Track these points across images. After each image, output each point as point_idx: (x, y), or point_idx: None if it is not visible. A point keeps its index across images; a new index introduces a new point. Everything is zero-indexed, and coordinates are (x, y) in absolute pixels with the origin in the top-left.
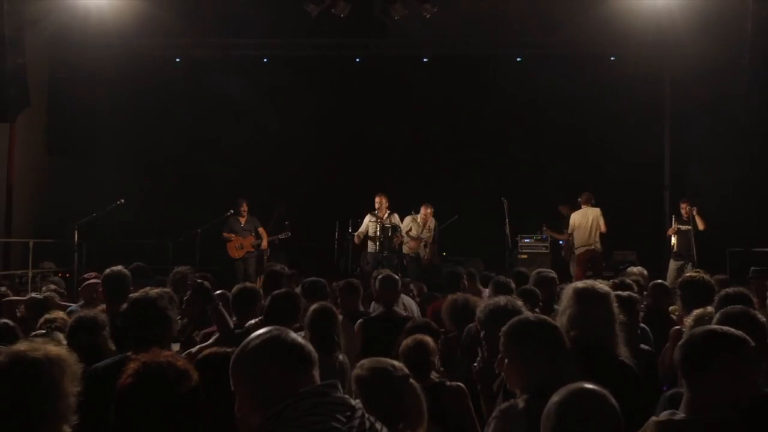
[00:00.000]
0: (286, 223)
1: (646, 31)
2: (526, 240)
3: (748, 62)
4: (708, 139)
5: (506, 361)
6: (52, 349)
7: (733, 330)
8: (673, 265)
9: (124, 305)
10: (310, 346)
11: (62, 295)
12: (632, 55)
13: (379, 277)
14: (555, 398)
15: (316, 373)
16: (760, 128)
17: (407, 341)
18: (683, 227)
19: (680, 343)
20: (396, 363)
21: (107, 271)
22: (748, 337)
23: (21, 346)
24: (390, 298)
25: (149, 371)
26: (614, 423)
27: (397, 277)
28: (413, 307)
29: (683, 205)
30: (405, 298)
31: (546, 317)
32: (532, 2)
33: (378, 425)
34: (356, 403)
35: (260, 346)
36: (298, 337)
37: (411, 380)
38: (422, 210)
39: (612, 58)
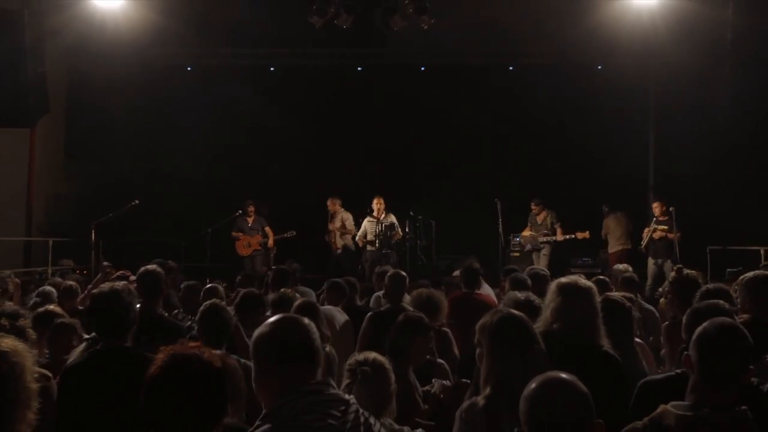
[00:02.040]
0: (266, 228)
1: (631, 41)
2: (517, 239)
3: (728, 71)
4: (690, 144)
5: (477, 351)
6: (7, 342)
7: (741, 328)
8: (651, 262)
9: (88, 300)
10: (312, 344)
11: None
12: (618, 64)
13: (388, 274)
14: (526, 390)
15: (318, 369)
16: (740, 133)
17: None
18: (660, 227)
19: (694, 340)
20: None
21: (142, 269)
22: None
23: None
24: (397, 294)
25: (176, 363)
26: (583, 408)
27: (404, 274)
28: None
29: (656, 204)
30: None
31: (521, 314)
32: (524, 14)
33: (372, 419)
34: (350, 398)
35: (260, 338)
36: (303, 331)
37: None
38: (375, 203)
39: (599, 67)
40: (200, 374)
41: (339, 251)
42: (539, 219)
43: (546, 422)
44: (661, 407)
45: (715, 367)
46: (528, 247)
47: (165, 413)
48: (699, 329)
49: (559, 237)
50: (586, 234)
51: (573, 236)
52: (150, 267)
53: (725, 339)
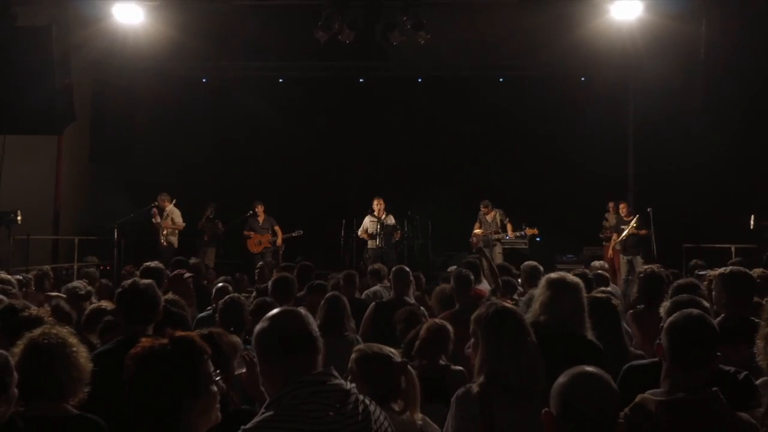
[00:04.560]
0: (218, 223)
1: (612, 55)
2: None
3: (701, 81)
4: (666, 149)
5: (471, 341)
6: (59, 329)
7: (708, 318)
8: (622, 259)
9: (118, 291)
10: (310, 333)
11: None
12: (600, 76)
13: (393, 269)
14: (561, 380)
15: (318, 356)
16: (713, 139)
17: (429, 324)
18: (624, 226)
19: (665, 329)
20: (394, 350)
21: (143, 265)
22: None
23: (38, 331)
24: (401, 286)
25: (148, 354)
26: (614, 403)
27: (407, 269)
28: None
29: (623, 206)
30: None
31: (514, 308)
32: (513, 30)
33: (372, 406)
34: (351, 387)
35: (260, 332)
36: (301, 322)
37: (408, 366)
38: (375, 204)
39: (582, 79)
40: (160, 359)
41: (165, 247)
42: (489, 218)
43: (586, 413)
44: (639, 396)
45: (684, 353)
46: (480, 244)
47: (141, 405)
48: (669, 319)
49: (510, 234)
50: (535, 231)
51: (523, 233)
52: (152, 263)
53: (692, 327)
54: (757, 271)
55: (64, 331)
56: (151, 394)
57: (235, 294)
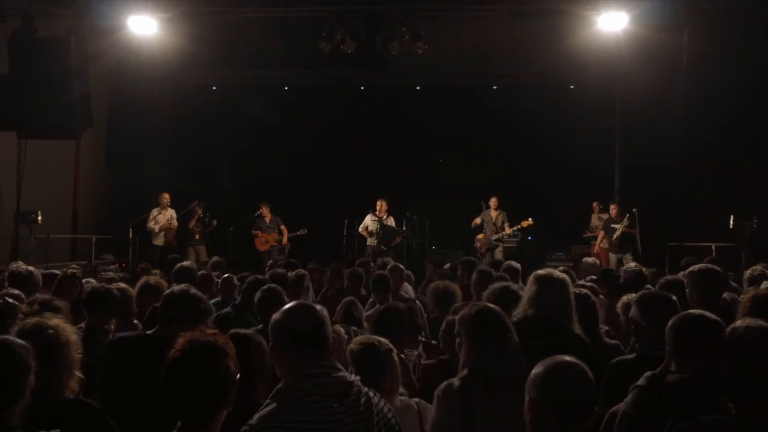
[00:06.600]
0: (212, 221)
1: (599, 64)
2: (504, 236)
3: (683, 88)
4: (651, 151)
5: (457, 339)
6: (54, 320)
7: (710, 315)
8: (612, 257)
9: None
10: (321, 330)
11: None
12: (588, 84)
13: (389, 267)
14: (540, 369)
15: (327, 353)
16: (694, 142)
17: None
18: (615, 225)
19: (670, 324)
20: (382, 339)
21: (177, 266)
22: (719, 321)
23: (32, 320)
24: (396, 284)
25: (193, 347)
26: (592, 391)
27: (402, 267)
28: (410, 291)
29: (614, 206)
30: (405, 285)
31: (496, 307)
32: (506, 41)
33: (376, 398)
34: (354, 379)
35: (273, 325)
36: (313, 318)
37: (392, 354)
38: (378, 204)
39: (572, 87)
40: (212, 358)
41: (162, 246)
42: (493, 215)
43: (568, 401)
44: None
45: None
46: (484, 249)
47: (182, 392)
48: (672, 323)
49: (508, 230)
50: (530, 221)
51: (519, 226)
52: (185, 263)
53: (698, 325)
54: (756, 268)
55: (54, 320)
56: (196, 386)
57: (273, 284)
